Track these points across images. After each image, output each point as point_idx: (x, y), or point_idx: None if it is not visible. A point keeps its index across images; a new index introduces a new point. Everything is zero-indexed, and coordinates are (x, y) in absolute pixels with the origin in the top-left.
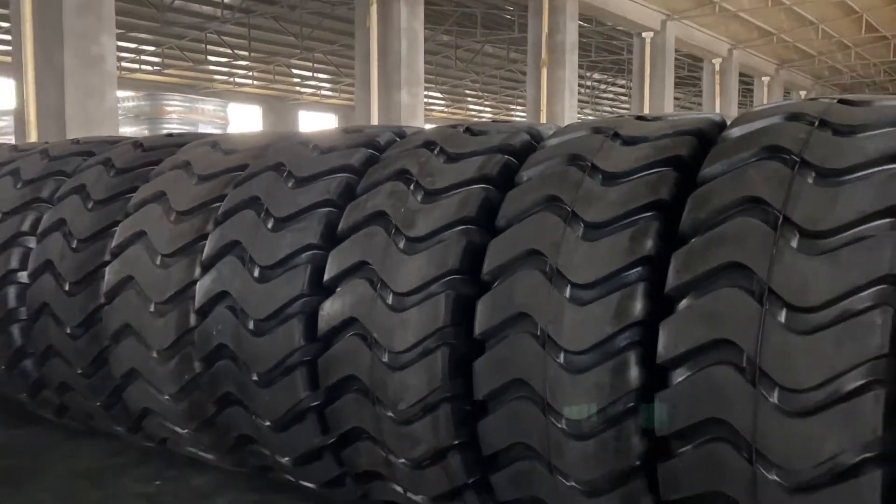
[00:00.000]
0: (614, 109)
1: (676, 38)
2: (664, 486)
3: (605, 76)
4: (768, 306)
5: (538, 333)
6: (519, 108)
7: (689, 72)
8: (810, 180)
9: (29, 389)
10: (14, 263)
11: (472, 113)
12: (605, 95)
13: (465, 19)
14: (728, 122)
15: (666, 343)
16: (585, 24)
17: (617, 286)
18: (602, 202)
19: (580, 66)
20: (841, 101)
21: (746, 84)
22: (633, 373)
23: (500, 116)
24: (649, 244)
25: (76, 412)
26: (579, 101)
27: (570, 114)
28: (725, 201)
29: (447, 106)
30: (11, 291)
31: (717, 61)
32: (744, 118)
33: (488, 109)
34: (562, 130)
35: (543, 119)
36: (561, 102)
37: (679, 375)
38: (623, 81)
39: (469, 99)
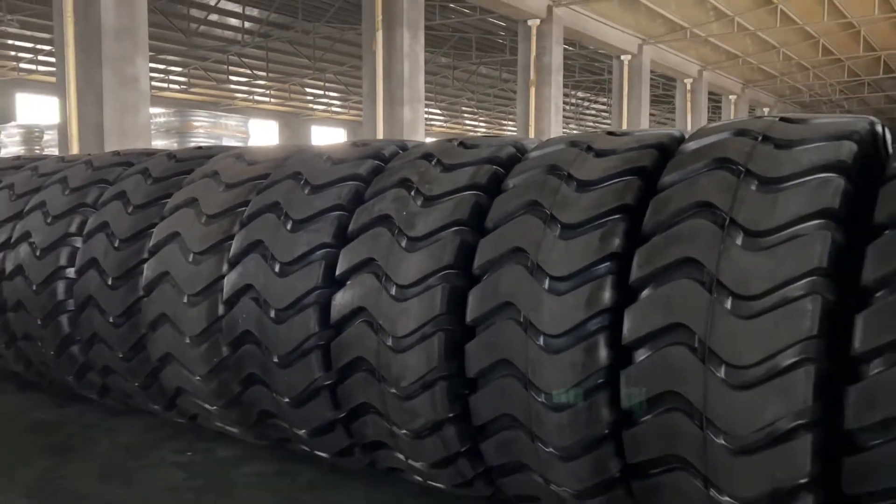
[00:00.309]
0: (597, 125)
1: (651, 60)
2: (629, 450)
3: (589, 94)
4: (716, 295)
5: (521, 320)
6: (510, 123)
7: (664, 90)
8: (753, 187)
9: (76, 372)
10: (63, 261)
11: (469, 127)
12: (588, 112)
13: (462, 43)
14: (686, 137)
15: (630, 327)
16: (570, 48)
17: (588, 278)
18: (576, 206)
19: (565, 86)
20: (782, 119)
21: (715, 101)
22: (602, 353)
23: (493, 131)
24: (616, 242)
25: (117, 392)
26: (565, 117)
27: (556, 129)
28: (681, 205)
29: (446, 121)
30: (61, 286)
31: (688, 81)
32: (698, 134)
33: (483, 124)
34: (543, 144)
35: (532, 134)
36: (547, 118)
37: (641, 355)
38: (605, 99)
39: (465, 115)
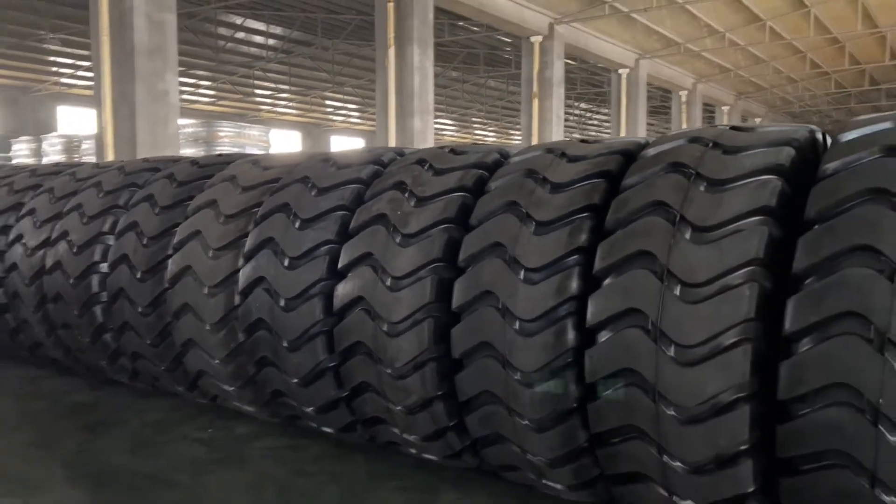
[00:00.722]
0: (599, 134)
1: (648, 73)
2: (593, 422)
3: (591, 106)
4: (667, 283)
5: (499, 306)
6: (517, 133)
7: (661, 102)
8: (702, 188)
9: (108, 358)
10: (97, 257)
11: (478, 136)
12: (591, 122)
13: (471, 58)
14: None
15: (593, 312)
16: (572, 62)
17: (558, 269)
18: (549, 205)
19: (569, 97)
20: (732, 128)
21: (710, 112)
22: (570, 335)
23: (502, 140)
24: (584, 237)
25: (145, 376)
26: (569, 127)
27: (558, 138)
28: (639, 204)
29: (457, 130)
30: (95, 279)
31: (683, 93)
32: (658, 141)
33: (491, 134)
34: (523, 151)
35: (535, 142)
36: (549, 128)
37: (603, 336)
38: (606, 110)
39: (476, 125)
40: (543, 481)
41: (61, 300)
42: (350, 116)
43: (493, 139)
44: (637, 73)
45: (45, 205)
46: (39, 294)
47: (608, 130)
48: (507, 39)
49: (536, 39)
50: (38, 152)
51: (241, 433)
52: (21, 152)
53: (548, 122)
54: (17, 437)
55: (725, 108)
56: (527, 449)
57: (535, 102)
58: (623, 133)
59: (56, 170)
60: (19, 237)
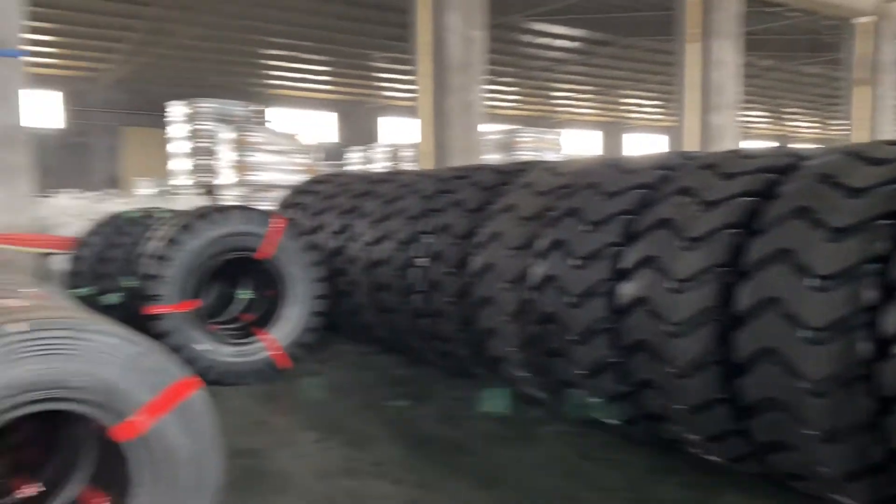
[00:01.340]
0: None
1: None
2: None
3: None
4: None
5: (787, 314)
6: (839, 123)
7: None
8: None
9: (423, 340)
10: (414, 252)
11: (791, 128)
12: None
13: (785, 45)
14: None
15: (891, 323)
16: None
17: (853, 278)
18: (845, 211)
19: None
20: None
21: None
22: (863, 346)
23: (819, 132)
24: (883, 245)
25: (452, 359)
26: None
27: (891, 129)
28: None
29: (769, 123)
30: (412, 273)
31: None
32: None
33: (806, 125)
34: (819, 154)
35: (860, 135)
36: (880, 118)
37: None
38: None
39: (790, 116)
40: (834, 495)
41: (388, 289)
42: (650, 113)
43: (810, 131)
44: None
45: (376, 208)
46: (372, 283)
47: None
48: (827, 22)
49: (864, 20)
50: (366, 160)
51: (533, 416)
52: (353, 160)
53: (878, 110)
54: (352, 400)
55: None
56: (815, 460)
57: (861, 90)
58: None
59: (384, 177)
60: (358, 234)
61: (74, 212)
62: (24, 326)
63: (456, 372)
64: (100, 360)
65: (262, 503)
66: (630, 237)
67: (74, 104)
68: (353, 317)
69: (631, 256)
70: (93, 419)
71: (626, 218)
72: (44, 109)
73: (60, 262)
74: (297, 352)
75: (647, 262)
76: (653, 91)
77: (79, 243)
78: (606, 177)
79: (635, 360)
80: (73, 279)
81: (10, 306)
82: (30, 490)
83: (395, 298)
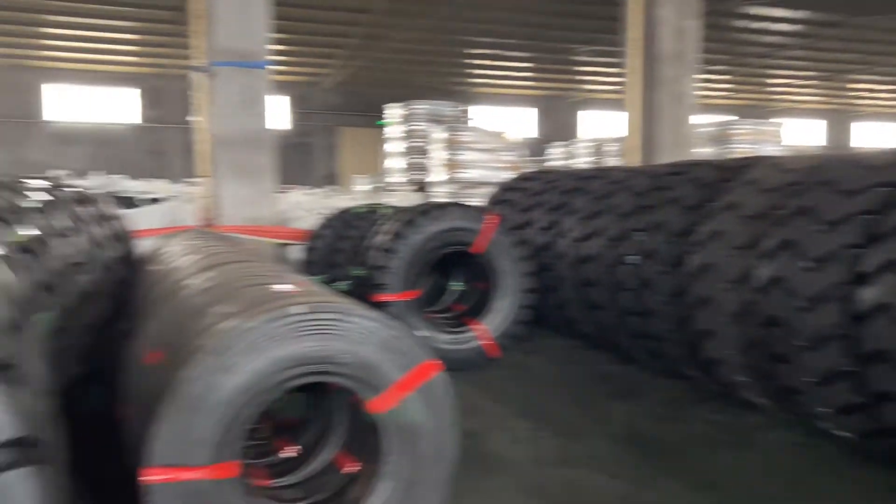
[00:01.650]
0: None
1: None
2: None
3: None
4: None
5: None
6: None
7: None
8: None
9: (631, 338)
10: (624, 250)
11: None
12: None
13: None
14: None
15: None
16: None
17: None
18: None
19: None
20: None
21: None
22: None
23: None
24: None
25: (665, 358)
26: None
27: None
28: None
29: None
30: (623, 270)
31: None
32: None
33: None
34: None
35: None
36: None
37: None
38: None
39: None
40: None
41: (595, 285)
42: (886, 99)
43: None
44: None
45: (586, 204)
46: (579, 279)
47: None
48: None
49: None
50: (568, 155)
51: (752, 422)
52: (554, 156)
53: None
54: (561, 394)
55: None
56: None
57: None
58: None
59: (594, 174)
60: (567, 231)
61: (306, 206)
62: (304, 308)
63: (666, 372)
64: (361, 339)
65: (479, 482)
66: (871, 239)
67: (298, 107)
68: (559, 311)
69: (873, 259)
70: (352, 392)
71: (868, 218)
72: (274, 113)
73: (296, 252)
74: (506, 342)
75: (891, 266)
76: (888, 75)
77: (312, 235)
78: (843, 173)
79: (875, 370)
80: (308, 268)
81: (290, 291)
82: (291, 451)
83: (603, 295)
